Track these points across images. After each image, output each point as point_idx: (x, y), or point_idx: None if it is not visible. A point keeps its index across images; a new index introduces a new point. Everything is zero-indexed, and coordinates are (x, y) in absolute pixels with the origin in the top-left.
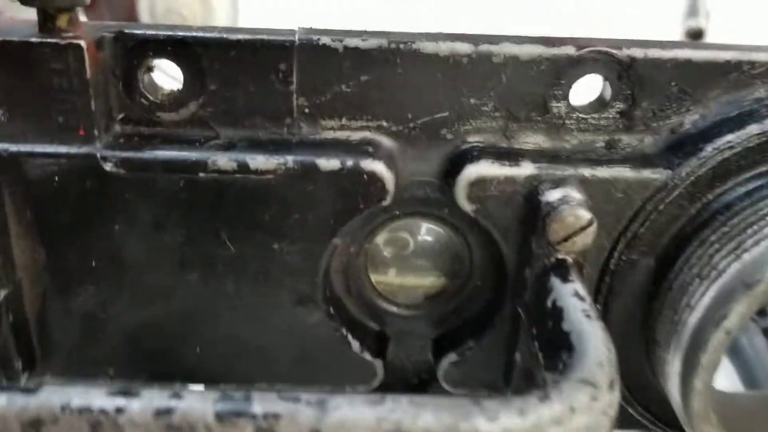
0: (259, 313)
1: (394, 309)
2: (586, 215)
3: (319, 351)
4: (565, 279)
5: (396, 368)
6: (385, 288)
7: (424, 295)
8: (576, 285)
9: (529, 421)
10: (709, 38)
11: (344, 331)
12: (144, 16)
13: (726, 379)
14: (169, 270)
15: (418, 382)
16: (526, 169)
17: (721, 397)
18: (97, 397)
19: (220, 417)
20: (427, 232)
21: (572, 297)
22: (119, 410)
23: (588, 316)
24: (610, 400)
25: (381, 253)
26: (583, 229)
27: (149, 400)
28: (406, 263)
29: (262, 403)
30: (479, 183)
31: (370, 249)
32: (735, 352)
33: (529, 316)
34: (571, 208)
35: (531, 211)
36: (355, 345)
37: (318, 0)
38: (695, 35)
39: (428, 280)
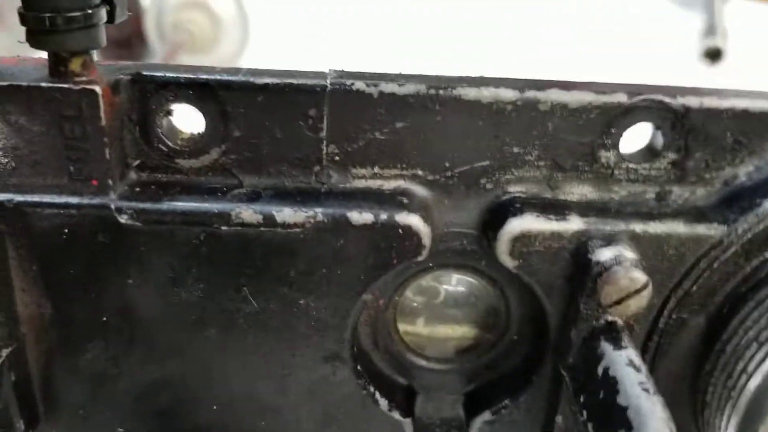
0: (282, 371)
1: (423, 362)
2: (641, 278)
3: (344, 410)
4: (617, 345)
5: (425, 425)
6: (413, 339)
7: (455, 347)
8: (630, 353)
9: None
10: (728, 58)
11: (372, 388)
12: (151, 31)
13: None
14: (186, 326)
15: None
16: (573, 224)
17: None
18: None
19: None
20: (459, 281)
21: (627, 367)
22: None
23: (646, 390)
24: None
25: (410, 302)
26: (638, 292)
27: None
28: (436, 313)
29: None
30: (523, 238)
31: (400, 301)
32: None
33: (575, 380)
34: (626, 270)
35: (579, 268)
36: (383, 403)
37: (326, 13)
38: (713, 55)
39: (460, 332)
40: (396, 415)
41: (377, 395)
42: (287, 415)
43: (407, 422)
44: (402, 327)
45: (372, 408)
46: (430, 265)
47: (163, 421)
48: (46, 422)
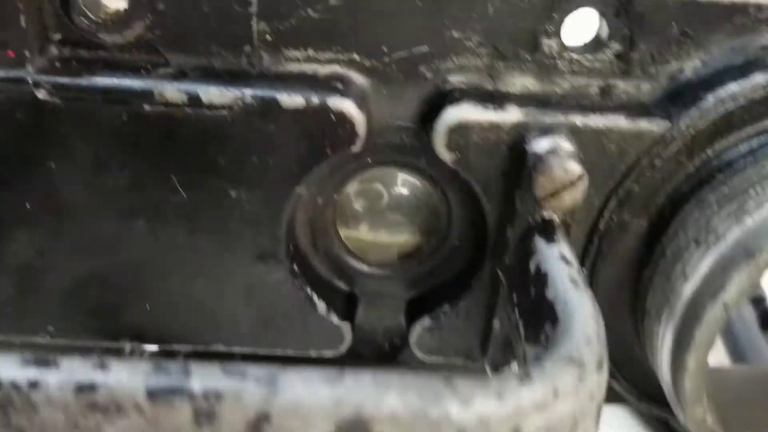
0: (216, 268)
1: (365, 268)
2: (576, 169)
3: (282, 312)
4: (550, 240)
5: (366, 332)
6: (355, 245)
7: (397, 253)
8: (562, 247)
9: (507, 407)
10: None
11: (309, 290)
12: None
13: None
14: (113, 217)
15: (389, 348)
16: (512, 115)
17: (712, 375)
18: (9, 368)
19: (152, 394)
20: (403, 184)
21: (558, 261)
22: (33, 385)
23: (575, 283)
24: (598, 381)
25: (352, 206)
26: (573, 184)
27: (69, 372)
28: (379, 218)
29: (202, 379)
30: (460, 129)
31: (340, 201)
32: None
33: (509, 280)
34: (561, 160)
35: (516, 162)
36: (321, 306)
37: None
38: None
39: (403, 237)
40: (335, 319)
41: (315, 298)
42: (223, 316)
43: (346, 326)
44: (344, 232)
45: (310, 311)
46: (369, 161)
47: (94, 320)
48: None
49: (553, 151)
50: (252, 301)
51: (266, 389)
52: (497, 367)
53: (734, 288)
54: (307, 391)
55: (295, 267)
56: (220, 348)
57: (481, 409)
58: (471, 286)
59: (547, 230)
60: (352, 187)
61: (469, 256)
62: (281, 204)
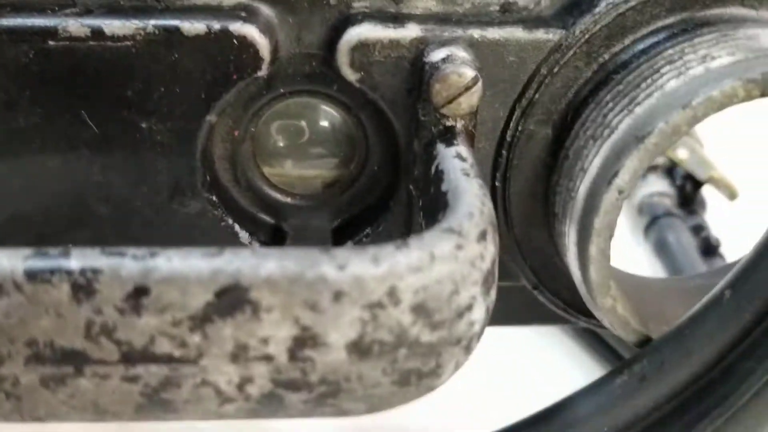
0: (133, 203)
1: (290, 200)
2: (469, 72)
3: (203, 243)
4: (449, 144)
5: None
6: (278, 179)
7: (321, 184)
8: (459, 148)
9: (382, 269)
10: None
11: (230, 221)
12: None
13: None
14: (28, 155)
15: None
16: (411, 31)
17: (626, 277)
18: None
19: (31, 274)
20: (319, 115)
21: (454, 159)
22: None
23: (467, 174)
24: (479, 251)
25: (271, 140)
26: (468, 88)
27: None
28: (299, 151)
29: (80, 258)
30: (362, 47)
31: (259, 135)
32: (662, 250)
33: (417, 190)
34: (455, 66)
35: (417, 76)
36: (244, 236)
37: None
38: None
39: (324, 169)
40: (258, 247)
41: (237, 228)
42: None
43: None
44: (267, 169)
45: (232, 240)
46: (282, 92)
47: None
48: None
49: (447, 59)
50: (172, 232)
51: (144, 264)
52: None
53: (626, 173)
54: (185, 263)
55: (214, 198)
56: None
57: (356, 272)
58: (389, 207)
59: (447, 136)
60: (269, 120)
61: (388, 180)
62: (194, 133)
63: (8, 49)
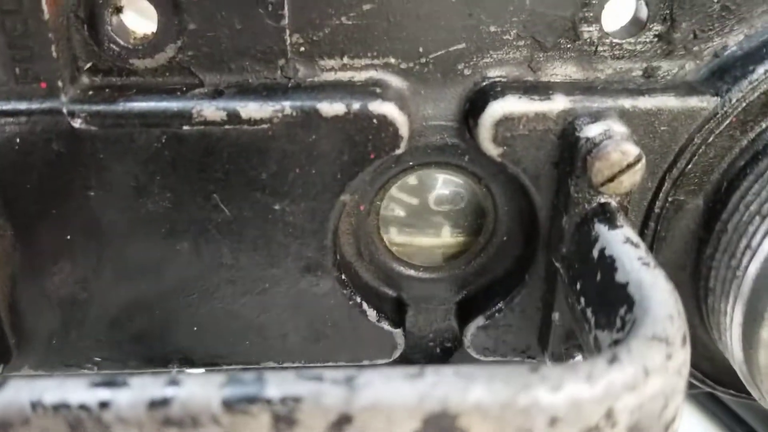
0: (262, 284)
1: (411, 272)
2: (633, 150)
3: (332, 323)
4: (612, 225)
5: (416, 337)
6: (400, 250)
7: (443, 255)
8: (626, 231)
9: (599, 389)
10: None
11: (358, 299)
12: None
13: None
14: (156, 241)
15: (440, 352)
16: (558, 103)
17: None
18: (76, 390)
19: (228, 405)
20: (444, 184)
21: (624, 244)
22: (104, 405)
23: (646, 264)
24: (684, 358)
25: (394, 211)
26: (631, 166)
27: (140, 389)
28: (422, 221)
29: (278, 385)
30: (506, 122)
31: (383, 208)
32: None
33: (569, 270)
34: (616, 143)
35: (566, 150)
36: (372, 314)
37: None
38: None
39: (448, 239)
40: (386, 325)
41: (365, 306)
42: (272, 332)
43: (398, 333)
44: (386, 236)
45: (360, 319)
46: (411, 164)
47: (141, 346)
48: (18, 357)
49: (607, 135)
50: (301, 314)
51: (345, 390)
52: (560, 361)
53: None
54: (388, 388)
55: (343, 276)
56: (271, 365)
57: (571, 394)
58: (525, 281)
59: (607, 215)
60: (395, 192)
61: (520, 250)
62: (326, 214)
63: (139, 134)
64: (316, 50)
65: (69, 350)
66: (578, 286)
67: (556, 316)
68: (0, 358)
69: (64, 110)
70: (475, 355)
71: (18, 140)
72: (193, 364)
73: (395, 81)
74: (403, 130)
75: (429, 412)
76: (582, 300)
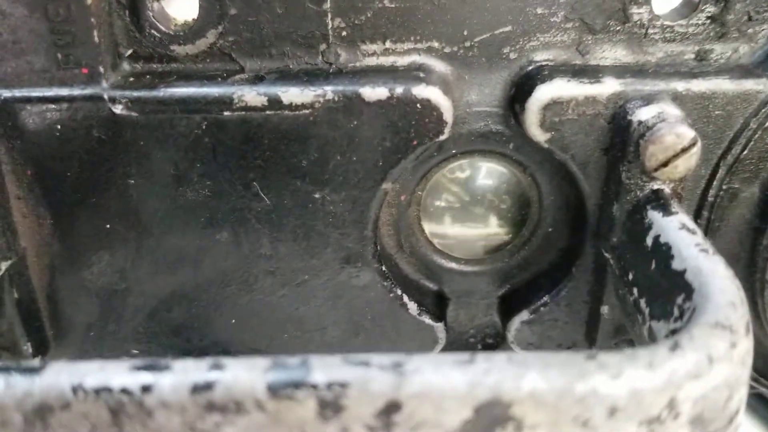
0: (302, 275)
1: (453, 265)
2: (689, 133)
3: (372, 316)
4: (666, 211)
5: (457, 333)
6: (441, 241)
7: (485, 247)
8: (681, 217)
9: (660, 377)
10: None
11: (399, 291)
12: None
13: None
14: (196, 229)
15: (482, 347)
16: (609, 87)
17: None
18: (118, 374)
19: (273, 389)
20: (487, 173)
21: (680, 230)
22: (146, 389)
23: (705, 251)
24: (748, 346)
25: (435, 201)
26: (686, 150)
27: (183, 373)
28: (464, 211)
29: (324, 370)
30: (554, 106)
31: (424, 198)
32: None
33: (620, 260)
34: (671, 125)
35: (618, 135)
36: (413, 307)
37: None
38: None
39: (491, 230)
40: (427, 319)
41: (405, 298)
42: (311, 325)
43: (439, 327)
44: (428, 227)
45: (401, 312)
46: (453, 152)
47: (179, 338)
48: (56, 347)
49: (660, 118)
50: (340, 306)
51: (394, 376)
52: None
53: None
54: (438, 375)
55: (383, 268)
56: None
57: (631, 382)
58: (572, 273)
59: (661, 201)
60: (436, 182)
61: (566, 242)
62: (368, 202)
63: (179, 121)
64: (358, 34)
65: (107, 342)
66: (630, 276)
67: (605, 309)
68: (38, 350)
69: (105, 96)
70: (519, 350)
71: (59, 127)
72: (231, 357)
73: (439, 65)
74: (447, 115)
75: (481, 399)
76: (635, 290)
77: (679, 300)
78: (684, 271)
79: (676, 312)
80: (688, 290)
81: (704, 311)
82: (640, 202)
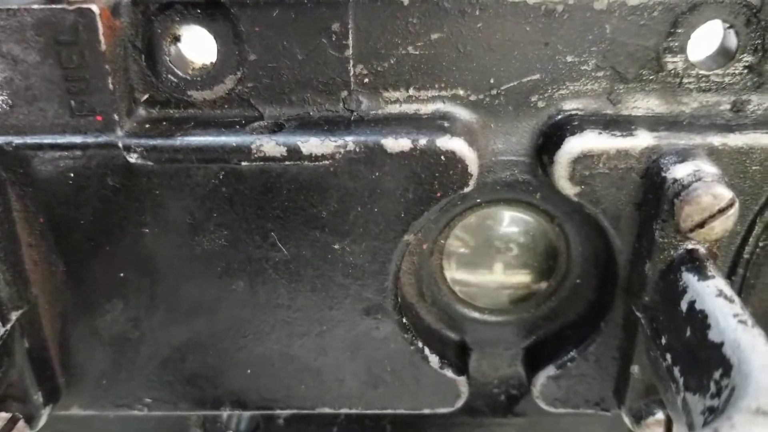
0: (319, 326)
1: (476, 315)
2: (726, 194)
3: (392, 369)
4: (702, 275)
5: (479, 384)
6: (464, 290)
7: (510, 297)
8: (718, 282)
9: None
10: None
11: (420, 343)
12: None
13: None
14: (211, 279)
15: (505, 400)
16: (642, 140)
17: None
18: None
19: None
20: (513, 222)
21: (717, 298)
22: None
23: (743, 322)
24: None
25: (459, 249)
26: (723, 211)
27: None
28: (488, 261)
29: None
30: (585, 159)
31: (447, 247)
32: None
33: (653, 321)
34: (707, 185)
35: (651, 191)
36: (434, 360)
37: None
38: None
39: (516, 279)
40: (449, 372)
41: (426, 351)
42: (329, 377)
43: (462, 380)
44: (450, 275)
45: (422, 365)
46: (478, 201)
47: (193, 387)
48: (67, 395)
49: (696, 177)
50: (359, 358)
51: None
52: (638, 418)
53: None
54: None
55: (404, 319)
56: (326, 410)
57: None
58: (600, 328)
59: (696, 263)
60: (460, 231)
61: (594, 295)
62: (389, 254)
63: (196, 170)
64: (380, 81)
65: (119, 390)
66: (663, 341)
67: (635, 369)
68: (49, 398)
69: (120, 144)
70: (545, 406)
71: (72, 174)
72: (245, 407)
73: (464, 114)
74: (473, 167)
75: None
76: (668, 356)
77: (716, 375)
78: (721, 344)
79: (713, 388)
80: (726, 365)
81: (745, 394)
82: (674, 262)
